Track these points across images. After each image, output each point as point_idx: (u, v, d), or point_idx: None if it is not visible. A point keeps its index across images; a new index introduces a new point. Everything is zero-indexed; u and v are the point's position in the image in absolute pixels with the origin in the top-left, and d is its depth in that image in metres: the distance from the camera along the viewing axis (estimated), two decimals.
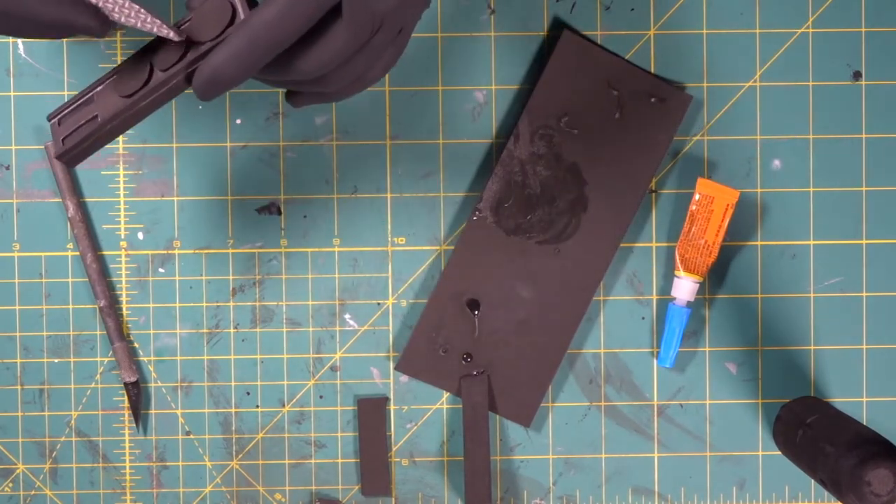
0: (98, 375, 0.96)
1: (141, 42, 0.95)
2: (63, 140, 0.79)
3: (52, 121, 0.80)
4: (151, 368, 0.96)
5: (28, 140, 0.96)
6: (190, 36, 0.77)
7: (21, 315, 0.96)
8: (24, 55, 0.95)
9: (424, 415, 0.97)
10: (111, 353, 0.96)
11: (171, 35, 0.76)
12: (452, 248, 0.96)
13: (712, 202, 0.95)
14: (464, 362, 0.96)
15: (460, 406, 0.97)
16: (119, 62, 0.79)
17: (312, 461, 0.97)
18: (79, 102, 0.79)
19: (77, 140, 0.78)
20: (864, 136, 0.97)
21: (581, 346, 0.97)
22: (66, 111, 0.80)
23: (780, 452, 0.97)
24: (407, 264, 0.97)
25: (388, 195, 0.96)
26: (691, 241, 0.95)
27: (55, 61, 0.96)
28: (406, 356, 0.96)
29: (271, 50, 0.74)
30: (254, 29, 0.74)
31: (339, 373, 0.97)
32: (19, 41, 0.95)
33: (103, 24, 0.75)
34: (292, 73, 0.76)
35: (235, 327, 0.96)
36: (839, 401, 0.97)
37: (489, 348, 0.96)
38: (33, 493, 0.97)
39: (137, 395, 0.96)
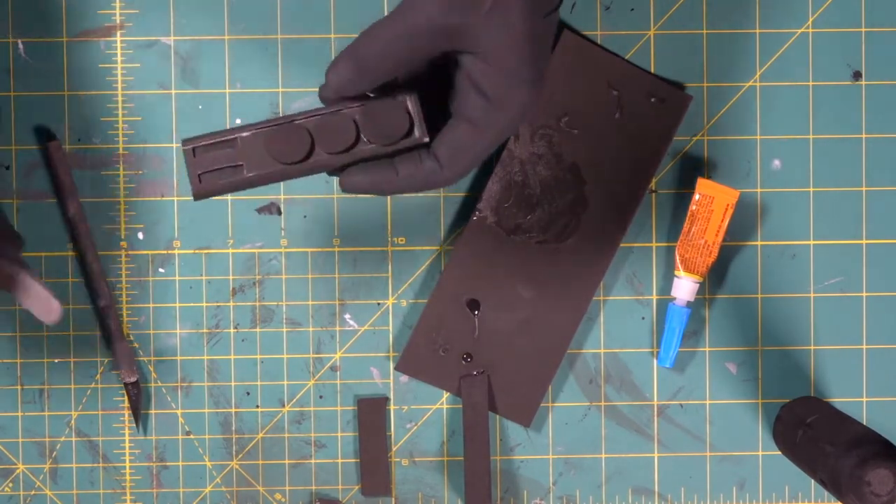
0: (98, 375, 0.96)
1: (135, 43, 0.95)
2: (200, 176, 0.80)
3: (187, 148, 0.80)
4: (151, 368, 0.96)
5: (28, 140, 0.95)
6: (359, 127, 0.79)
7: (21, 315, 0.96)
8: (24, 55, 0.95)
9: (424, 415, 0.97)
10: (111, 353, 0.96)
11: (424, 138, 0.79)
12: (452, 248, 0.96)
13: (712, 202, 0.95)
14: (464, 362, 0.96)
15: (460, 406, 0.97)
16: (268, 120, 0.79)
17: (312, 461, 0.97)
18: (219, 140, 0.80)
19: (218, 186, 0.80)
20: (864, 136, 0.97)
21: (581, 346, 0.97)
22: (204, 144, 0.80)
23: (780, 452, 0.97)
24: (407, 264, 0.97)
25: (388, 195, 0.96)
26: (691, 241, 0.95)
27: (55, 61, 0.96)
28: (406, 356, 0.96)
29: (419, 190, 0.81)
30: (418, 185, 0.81)
31: (339, 373, 0.97)
32: (19, 40, 0.95)
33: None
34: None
35: (235, 327, 0.96)
36: (839, 401, 0.97)
37: (489, 348, 0.96)
38: (33, 493, 0.97)
39: (137, 395, 0.96)
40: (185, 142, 0.80)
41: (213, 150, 0.80)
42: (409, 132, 0.79)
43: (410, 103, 0.79)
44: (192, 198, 0.81)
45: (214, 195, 0.81)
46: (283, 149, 0.79)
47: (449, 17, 0.76)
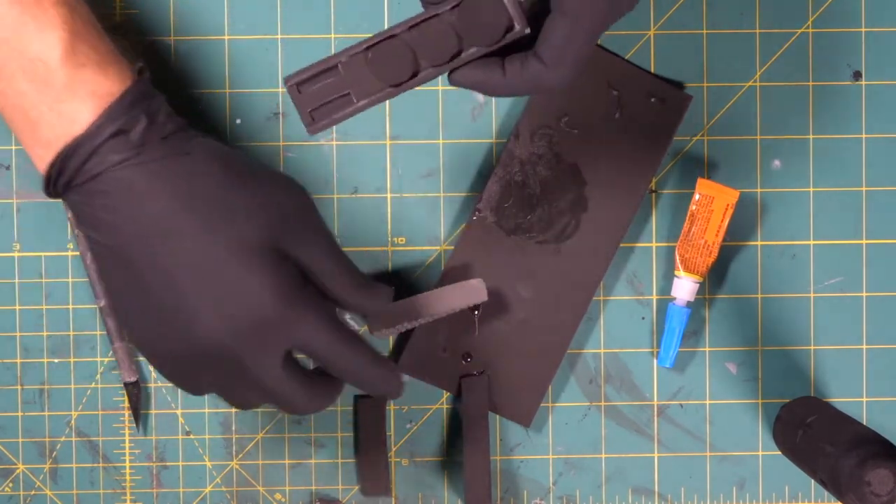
0: (98, 375, 0.96)
1: (136, 43, 0.95)
2: (311, 113, 0.78)
3: (291, 84, 0.78)
4: (151, 368, 0.96)
5: None
6: (458, 31, 0.76)
7: (21, 315, 0.96)
8: None
9: (424, 415, 0.97)
10: (111, 353, 0.96)
11: (525, 29, 0.77)
12: (452, 248, 0.96)
13: (712, 202, 0.95)
14: (464, 362, 0.96)
15: (460, 406, 0.97)
16: (366, 39, 0.77)
17: (312, 461, 0.97)
18: (320, 70, 0.77)
19: (332, 119, 0.78)
20: (864, 136, 0.97)
21: (581, 346, 0.97)
22: (307, 77, 0.78)
23: (780, 452, 0.97)
24: (407, 264, 0.97)
25: (388, 195, 0.96)
26: (691, 241, 0.95)
27: None
28: (407, 356, 0.96)
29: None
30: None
31: None
32: None
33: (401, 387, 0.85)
34: None
35: None
36: (839, 401, 0.97)
37: (489, 348, 0.96)
38: (33, 493, 0.97)
39: (137, 394, 0.96)
40: (287, 79, 0.78)
41: (317, 81, 0.78)
42: (510, 27, 0.77)
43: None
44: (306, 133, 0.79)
45: (325, 128, 0.79)
46: (388, 68, 0.77)
47: None
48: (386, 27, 0.95)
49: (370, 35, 0.77)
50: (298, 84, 0.78)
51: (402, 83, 0.78)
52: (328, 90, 0.78)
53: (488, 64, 0.78)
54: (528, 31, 0.77)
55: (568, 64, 0.77)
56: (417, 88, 0.95)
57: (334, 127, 0.95)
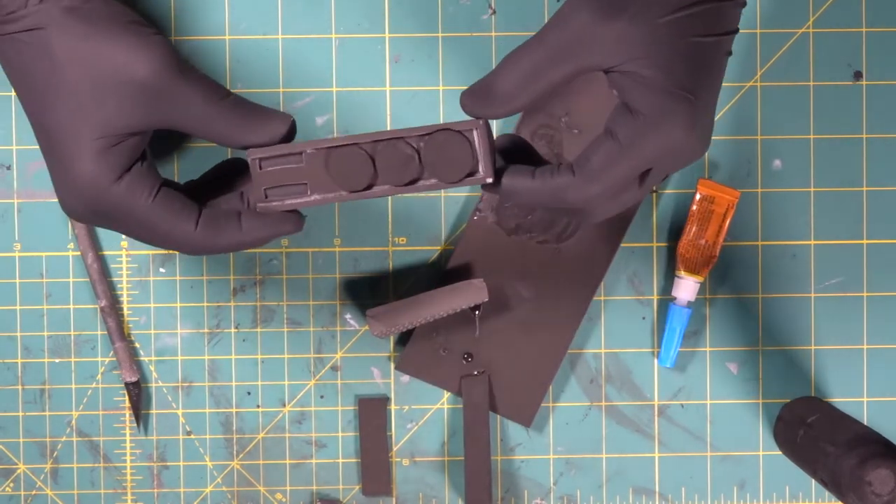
0: (99, 375, 0.96)
1: None
2: (266, 192, 0.78)
3: (253, 159, 0.78)
4: (152, 368, 0.96)
5: (29, 140, 0.95)
6: (422, 159, 0.76)
7: (22, 315, 0.96)
8: None
9: (425, 415, 0.97)
10: (112, 352, 0.96)
11: (489, 178, 0.76)
12: (453, 248, 0.96)
13: (713, 202, 0.95)
14: (464, 362, 0.96)
15: (461, 406, 0.97)
16: (335, 138, 0.78)
17: (313, 461, 0.97)
18: (286, 153, 0.78)
19: (283, 204, 0.78)
20: (864, 136, 0.97)
21: (582, 346, 0.97)
22: (271, 157, 0.78)
23: (780, 452, 0.97)
24: (407, 264, 0.97)
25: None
26: (692, 241, 0.95)
27: None
28: (407, 356, 0.96)
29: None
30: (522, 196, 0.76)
31: (339, 373, 0.97)
32: None
33: (301, 223, 0.79)
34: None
35: (236, 327, 0.96)
36: (840, 401, 0.97)
37: (490, 348, 0.96)
38: (34, 493, 0.97)
39: (138, 394, 0.96)
40: (250, 153, 0.78)
41: (279, 163, 0.78)
42: (474, 169, 0.76)
43: (477, 136, 0.76)
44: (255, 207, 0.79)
45: (277, 210, 0.79)
46: (345, 173, 0.77)
47: (595, 29, 0.72)
48: (385, 27, 0.96)
49: (337, 136, 0.77)
50: (261, 160, 0.78)
51: (357, 192, 0.78)
52: (287, 175, 0.78)
53: (517, 171, 0.76)
54: (490, 180, 0.76)
55: (602, 186, 0.74)
56: (414, 88, 0.95)
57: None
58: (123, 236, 0.96)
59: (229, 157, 0.92)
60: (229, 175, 0.81)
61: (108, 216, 0.77)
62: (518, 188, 0.76)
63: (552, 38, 0.74)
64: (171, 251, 0.82)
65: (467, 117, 0.87)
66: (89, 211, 0.77)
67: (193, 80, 0.77)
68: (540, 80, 0.74)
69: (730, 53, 0.76)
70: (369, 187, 0.78)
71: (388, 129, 0.82)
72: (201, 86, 0.77)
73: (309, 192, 0.78)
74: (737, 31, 0.75)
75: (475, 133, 0.76)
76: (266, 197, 0.78)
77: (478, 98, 0.76)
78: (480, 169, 0.76)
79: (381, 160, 0.77)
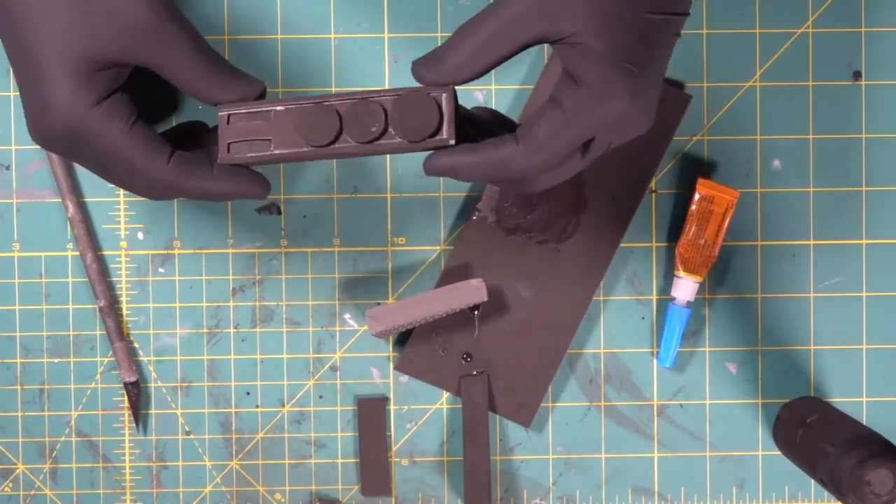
0: (98, 375, 0.96)
1: None
2: (229, 145, 0.79)
3: (223, 114, 0.79)
4: (151, 368, 0.96)
5: (28, 140, 0.95)
6: (388, 117, 0.77)
7: (21, 315, 0.96)
8: None
9: (424, 415, 0.97)
10: (111, 353, 0.96)
11: (451, 140, 0.77)
12: (452, 248, 0.96)
13: (712, 202, 0.95)
14: (464, 362, 0.96)
15: (460, 406, 0.97)
16: (306, 97, 0.78)
17: (312, 461, 0.97)
18: (254, 110, 0.79)
19: (244, 158, 0.79)
20: (863, 136, 0.97)
21: (581, 346, 0.97)
22: (239, 111, 0.79)
23: (780, 452, 0.97)
24: (407, 264, 0.97)
25: (388, 195, 0.96)
26: (691, 241, 0.95)
27: None
28: (406, 356, 0.96)
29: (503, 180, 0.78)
30: (487, 167, 0.77)
31: (338, 373, 0.97)
32: None
33: (266, 189, 0.80)
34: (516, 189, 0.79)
35: (235, 327, 0.96)
36: (839, 401, 0.97)
37: (489, 348, 0.96)
38: (33, 493, 0.97)
39: (137, 395, 0.96)
40: (221, 107, 0.79)
41: (246, 119, 0.79)
42: (437, 131, 0.77)
43: (445, 100, 0.77)
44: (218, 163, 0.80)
45: (239, 164, 0.80)
46: (312, 128, 0.78)
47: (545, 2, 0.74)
48: (384, 27, 0.96)
49: (307, 97, 0.78)
50: (230, 116, 0.79)
51: (321, 147, 0.78)
52: (252, 131, 0.79)
53: (459, 148, 0.77)
54: (452, 142, 0.77)
55: (546, 155, 0.75)
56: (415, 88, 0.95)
57: None
58: (123, 236, 0.96)
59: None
60: (198, 132, 0.83)
61: (81, 141, 0.77)
62: (460, 163, 0.77)
63: (504, 11, 0.75)
64: (134, 194, 0.82)
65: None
66: (62, 135, 0.77)
67: (182, 27, 0.78)
68: (491, 53, 0.76)
69: (678, 35, 0.77)
70: (333, 143, 0.78)
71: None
72: (187, 34, 0.78)
73: (272, 148, 0.79)
74: (688, 14, 0.76)
75: (443, 97, 0.77)
76: (228, 150, 0.79)
77: (428, 68, 0.77)
78: (444, 131, 0.77)
79: (349, 117, 0.78)
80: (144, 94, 0.89)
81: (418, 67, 0.77)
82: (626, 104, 0.74)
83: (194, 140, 0.82)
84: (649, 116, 0.76)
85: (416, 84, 0.96)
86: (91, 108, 0.76)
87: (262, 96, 0.80)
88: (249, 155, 0.79)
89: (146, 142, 0.78)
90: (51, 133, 0.77)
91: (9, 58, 0.78)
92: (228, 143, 0.79)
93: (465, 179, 0.77)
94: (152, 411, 0.97)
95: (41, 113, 0.77)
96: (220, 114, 0.79)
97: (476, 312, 0.96)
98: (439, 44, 0.96)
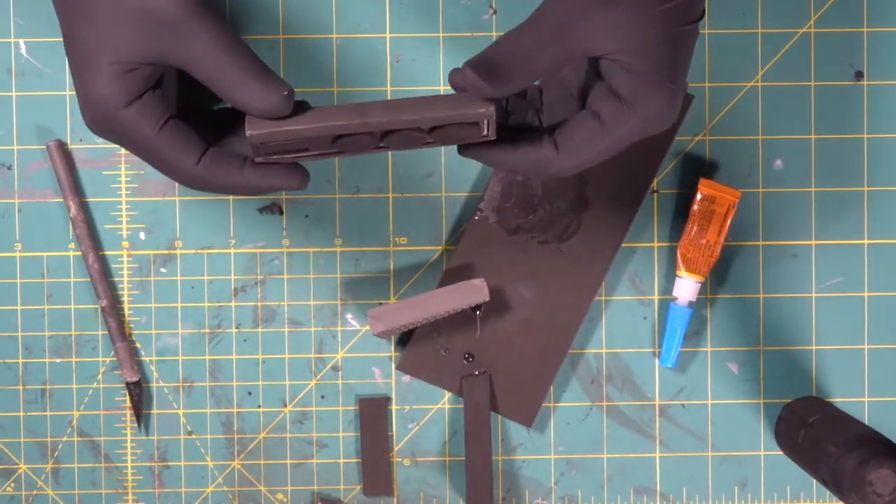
0: (100, 375, 0.96)
1: None
2: (260, 143, 0.78)
3: (253, 144, 0.78)
4: (153, 368, 0.96)
5: (30, 140, 0.96)
6: (430, 139, 0.78)
7: (23, 315, 0.96)
8: (25, 55, 0.95)
9: (426, 415, 0.97)
10: (113, 352, 0.96)
11: (491, 138, 0.78)
12: (454, 248, 0.96)
13: (714, 202, 0.95)
14: (465, 362, 0.96)
15: (462, 406, 0.97)
16: (343, 107, 0.78)
17: (314, 461, 0.97)
18: (284, 140, 0.78)
19: (280, 159, 0.79)
20: (865, 136, 0.97)
21: (583, 346, 0.97)
22: (269, 143, 0.78)
23: (781, 452, 0.97)
24: (408, 264, 0.97)
25: (390, 195, 0.96)
26: (693, 241, 0.95)
27: (57, 61, 0.96)
28: (408, 356, 0.96)
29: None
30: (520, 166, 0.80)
31: (340, 373, 0.97)
32: (20, 40, 0.95)
33: (305, 180, 0.80)
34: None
35: (237, 327, 0.96)
36: (841, 401, 0.97)
37: (491, 348, 0.96)
38: (35, 493, 0.97)
39: (139, 395, 0.96)
40: (250, 137, 0.77)
41: (279, 145, 0.79)
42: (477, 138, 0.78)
43: (488, 124, 0.77)
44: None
45: (269, 156, 0.79)
46: (351, 146, 0.78)
47: (581, 17, 0.76)
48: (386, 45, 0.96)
49: (339, 107, 0.78)
50: (261, 144, 0.78)
51: (349, 150, 0.79)
52: (286, 148, 0.79)
53: (499, 144, 0.79)
54: (493, 138, 0.78)
55: (581, 160, 0.79)
56: (415, 88, 0.96)
57: None
58: (125, 236, 0.96)
59: None
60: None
61: (119, 137, 0.79)
62: (498, 159, 0.79)
63: (548, 20, 0.76)
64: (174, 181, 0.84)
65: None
66: (102, 129, 0.79)
67: (210, 25, 0.78)
68: (535, 71, 0.77)
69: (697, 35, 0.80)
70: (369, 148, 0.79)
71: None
72: (214, 32, 0.78)
73: (309, 150, 0.79)
74: (704, 15, 0.79)
75: (487, 120, 0.77)
76: (259, 144, 0.78)
77: (484, 74, 0.77)
78: (485, 131, 0.78)
79: (389, 141, 0.78)
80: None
81: (474, 78, 0.77)
82: (662, 117, 0.77)
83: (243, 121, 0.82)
84: (675, 117, 0.80)
85: (419, 78, 0.96)
86: (121, 109, 0.78)
87: (290, 99, 0.78)
88: (288, 157, 0.79)
89: (176, 141, 0.79)
90: (93, 126, 0.79)
91: (66, 52, 0.80)
92: (260, 144, 0.78)
93: (498, 168, 0.80)
94: (154, 411, 0.97)
95: (84, 106, 0.79)
96: (249, 143, 0.78)
97: (478, 312, 0.96)
98: (440, 44, 0.96)
